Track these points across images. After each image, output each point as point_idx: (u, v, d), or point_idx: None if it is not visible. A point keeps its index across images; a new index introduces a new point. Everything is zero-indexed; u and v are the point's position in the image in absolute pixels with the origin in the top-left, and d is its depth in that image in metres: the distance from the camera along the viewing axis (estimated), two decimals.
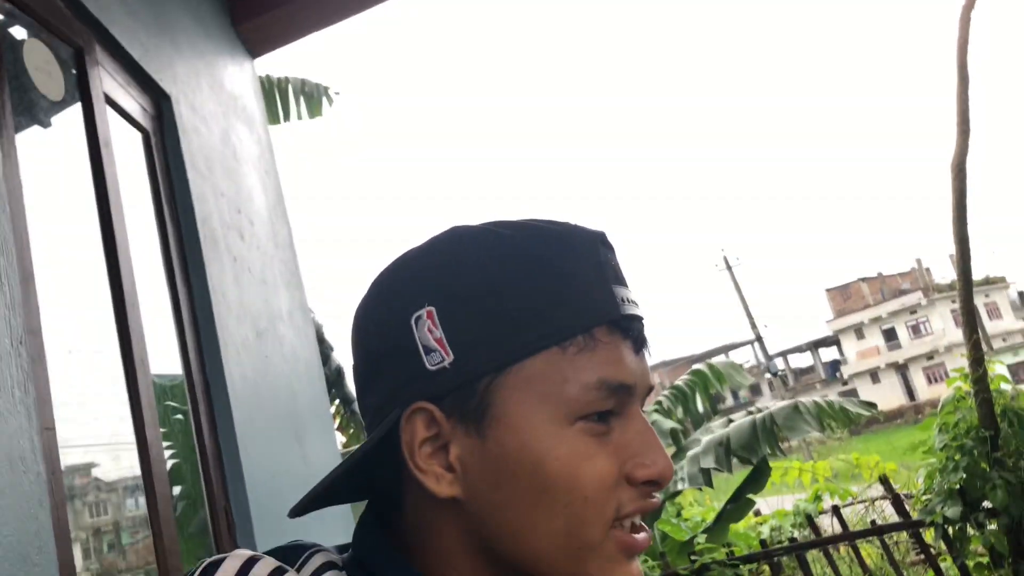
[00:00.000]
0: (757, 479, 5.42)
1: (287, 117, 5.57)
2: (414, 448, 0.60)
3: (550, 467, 0.57)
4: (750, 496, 5.43)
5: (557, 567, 0.59)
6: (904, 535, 5.44)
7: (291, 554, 0.62)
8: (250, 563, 0.55)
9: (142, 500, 2.15)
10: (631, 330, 0.61)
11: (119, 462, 2.38)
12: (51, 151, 2.33)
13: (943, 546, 4.26)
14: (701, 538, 5.39)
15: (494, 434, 0.58)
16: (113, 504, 2.51)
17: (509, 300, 0.59)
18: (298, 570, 0.59)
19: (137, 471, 2.13)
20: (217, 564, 0.55)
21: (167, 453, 2.91)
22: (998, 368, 4.44)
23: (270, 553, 0.61)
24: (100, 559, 2.56)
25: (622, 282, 0.63)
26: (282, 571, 0.56)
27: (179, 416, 2.72)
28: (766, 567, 4.96)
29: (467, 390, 0.59)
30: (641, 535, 0.60)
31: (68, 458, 2.07)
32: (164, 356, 2.59)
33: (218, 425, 2.61)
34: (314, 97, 5.70)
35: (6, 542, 1.36)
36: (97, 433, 2.29)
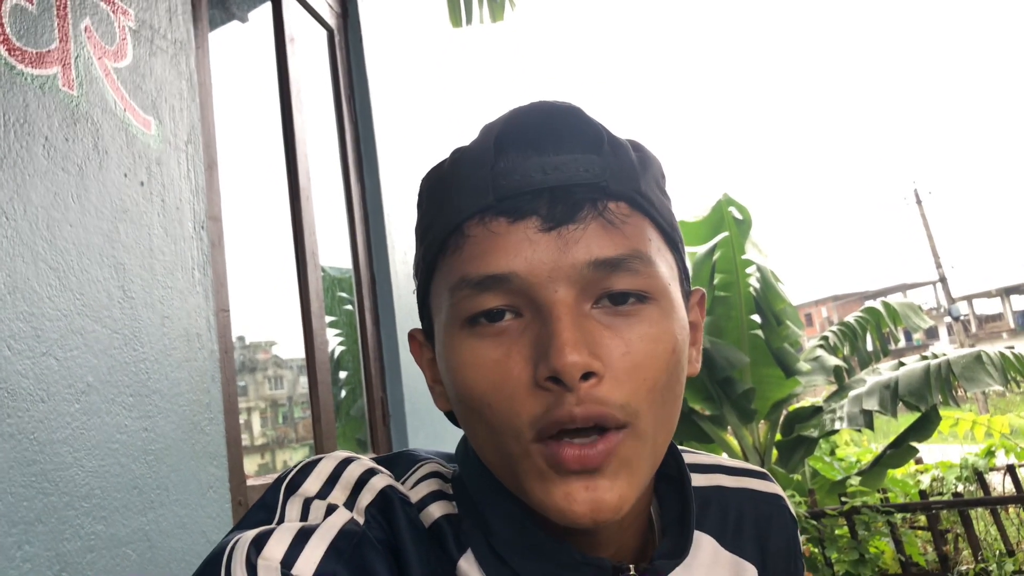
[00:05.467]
0: (924, 427, 5.11)
1: (469, 20, 5.53)
2: (422, 366, 0.64)
3: (456, 376, 0.54)
4: (913, 443, 5.15)
5: (508, 481, 0.55)
6: None
7: (401, 462, 0.63)
8: (345, 463, 0.57)
9: (303, 380, 2.29)
10: (525, 209, 0.52)
11: (286, 346, 2.54)
12: (241, 45, 2.43)
13: None
14: (855, 480, 5.18)
15: (435, 348, 0.60)
16: (278, 383, 2.69)
17: (418, 222, 0.61)
18: (405, 479, 0.61)
19: (302, 354, 2.27)
20: (315, 463, 0.57)
21: (336, 340, 3.09)
22: None
23: (380, 460, 0.62)
24: (264, 431, 2.77)
25: (531, 151, 0.53)
26: (373, 472, 0.57)
27: (348, 307, 2.86)
28: (922, 518, 4.70)
29: (424, 310, 0.62)
30: (573, 450, 0.49)
31: (240, 337, 2.21)
32: (336, 250, 2.71)
33: (380, 319, 2.72)
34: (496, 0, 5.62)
35: (181, 411, 1.48)
36: (267, 317, 2.44)
